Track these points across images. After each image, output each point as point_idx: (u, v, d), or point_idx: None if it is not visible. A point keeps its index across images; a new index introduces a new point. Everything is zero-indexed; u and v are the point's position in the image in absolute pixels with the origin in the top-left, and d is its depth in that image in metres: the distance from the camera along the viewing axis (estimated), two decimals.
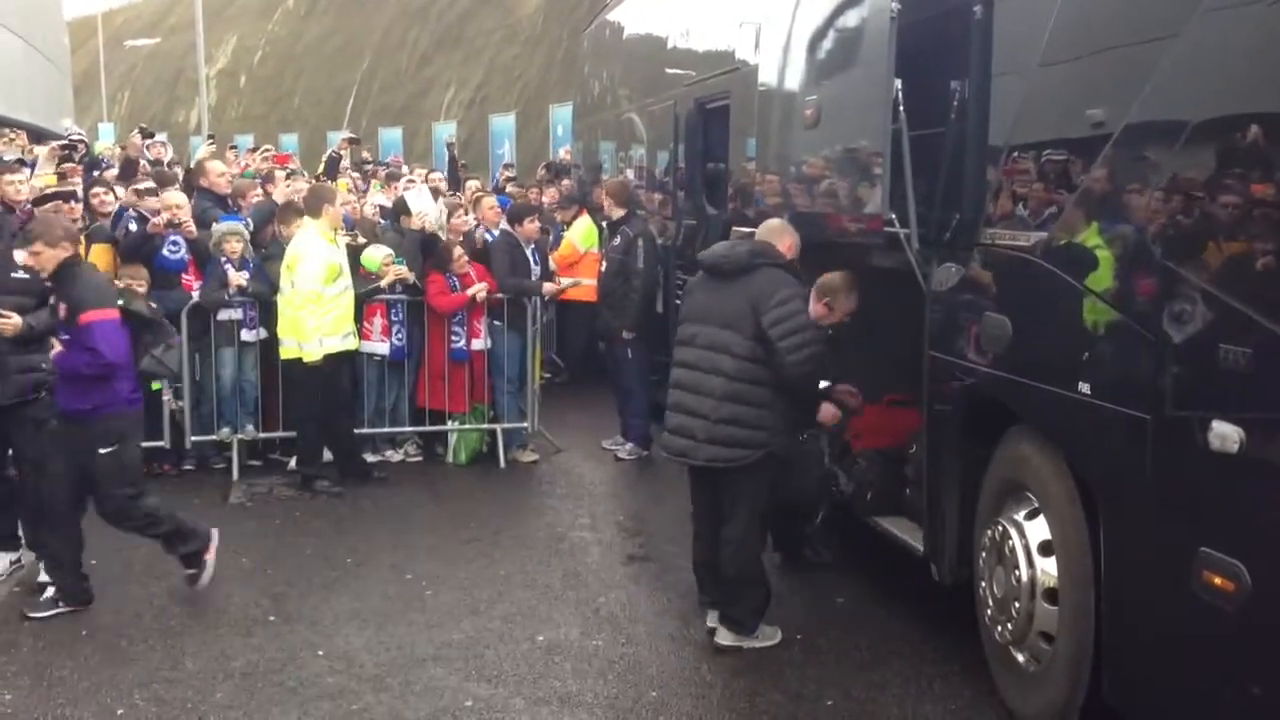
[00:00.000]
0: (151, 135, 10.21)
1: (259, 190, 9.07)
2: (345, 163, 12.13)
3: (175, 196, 7.75)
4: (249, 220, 8.17)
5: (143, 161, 10.19)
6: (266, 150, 13.23)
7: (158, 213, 7.55)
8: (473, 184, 11.31)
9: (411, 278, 7.91)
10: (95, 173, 9.73)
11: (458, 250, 8.00)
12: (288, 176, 9.67)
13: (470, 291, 7.96)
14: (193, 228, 7.64)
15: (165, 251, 7.59)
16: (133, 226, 7.61)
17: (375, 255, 7.85)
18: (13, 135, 11.05)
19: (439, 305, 7.97)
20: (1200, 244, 3.34)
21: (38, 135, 19.04)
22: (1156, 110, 3.57)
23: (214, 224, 7.91)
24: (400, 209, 8.64)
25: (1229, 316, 3.20)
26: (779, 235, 5.15)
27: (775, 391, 4.81)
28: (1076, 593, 3.94)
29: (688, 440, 4.89)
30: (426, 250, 8.12)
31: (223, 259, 7.67)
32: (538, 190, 11.69)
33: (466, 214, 8.71)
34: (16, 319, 5.58)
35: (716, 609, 5.11)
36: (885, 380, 5.55)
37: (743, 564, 4.96)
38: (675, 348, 5.10)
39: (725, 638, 5.00)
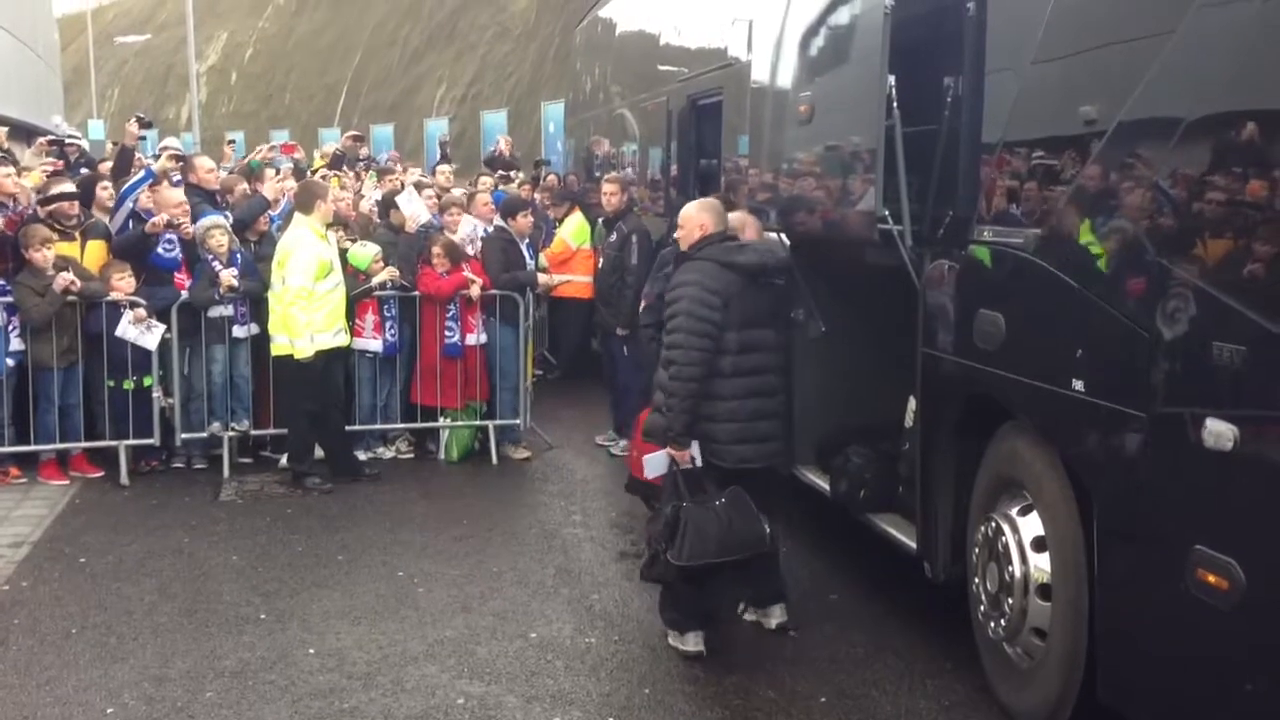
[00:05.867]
0: (149, 125, 10.07)
1: (245, 185, 9.02)
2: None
3: (175, 195, 7.72)
4: (228, 214, 8.12)
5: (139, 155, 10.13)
6: (272, 146, 13.19)
7: (151, 213, 7.53)
8: (487, 179, 11.24)
9: (400, 278, 7.89)
10: (82, 170, 9.68)
11: (436, 249, 7.97)
12: (278, 173, 9.63)
13: (465, 275, 7.93)
14: (190, 228, 7.60)
15: (160, 250, 7.58)
16: (131, 224, 7.61)
17: (364, 253, 7.82)
18: None
19: (432, 289, 7.92)
20: (1194, 241, 3.33)
21: (27, 131, 18.95)
22: (1151, 107, 3.56)
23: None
24: (389, 204, 8.64)
25: (1223, 314, 3.19)
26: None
27: None
28: (1070, 589, 3.93)
29: (779, 441, 5.02)
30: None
31: (209, 256, 7.63)
32: (530, 186, 11.67)
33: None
34: None
35: (698, 626, 4.95)
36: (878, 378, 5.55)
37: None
38: (741, 356, 4.81)
39: (783, 615, 5.15)
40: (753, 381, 4.88)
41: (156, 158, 8.82)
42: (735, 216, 5.42)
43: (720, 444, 4.85)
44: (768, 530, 4.85)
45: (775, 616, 5.15)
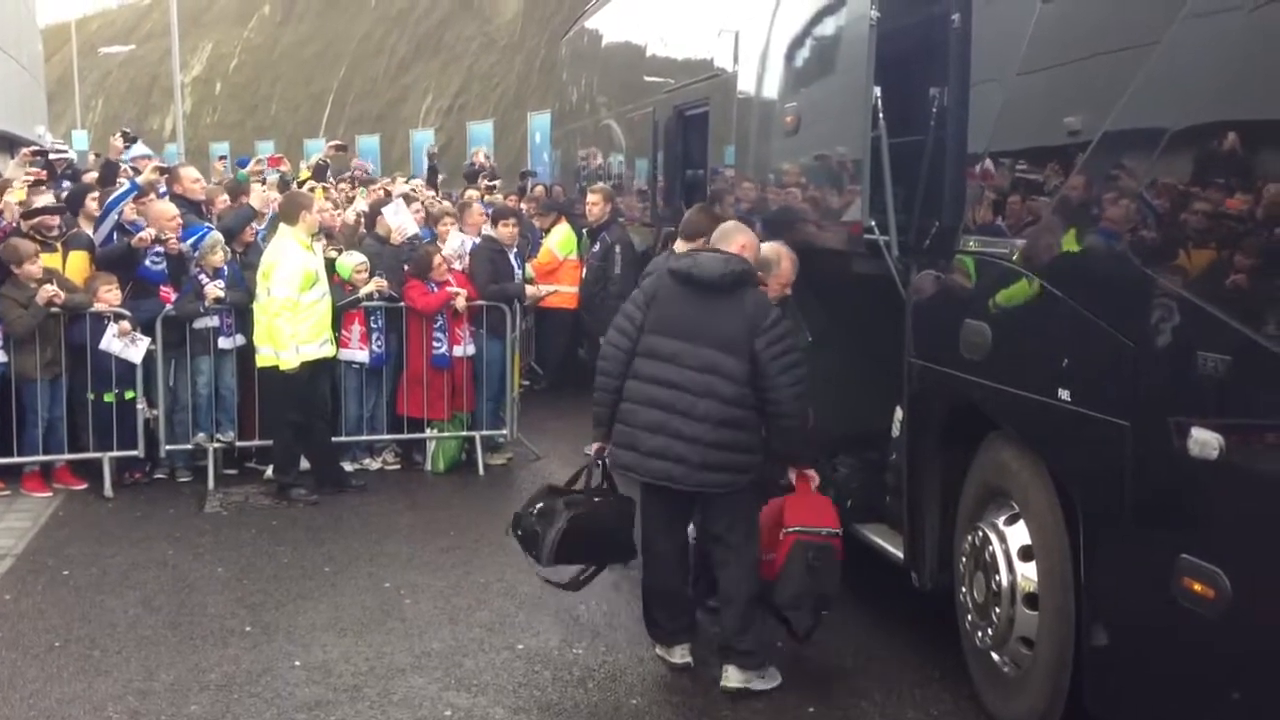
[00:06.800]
0: (134, 140, 10.06)
1: (225, 196, 8.99)
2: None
3: (169, 209, 7.70)
4: (210, 227, 8.09)
5: (124, 167, 10.10)
6: (259, 159, 13.22)
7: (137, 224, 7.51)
8: (473, 192, 11.24)
9: (387, 289, 7.88)
10: (65, 182, 9.63)
11: (438, 258, 7.97)
12: (264, 184, 9.62)
13: (450, 290, 7.92)
14: (177, 244, 7.57)
15: (148, 262, 7.56)
16: (115, 236, 7.58)
17: (347, 263, 7.82)
18: None
19: (420, 305, 7.91)
20: (1178, 251, 3.35)
21: (10, 142, 18.87)
22: (1135, 118, 3.57)
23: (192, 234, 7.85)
24: (375, 215, 8.64)
25: (1207, 323, 3.20)
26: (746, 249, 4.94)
27: (760, 416, 4.61)
28: (1057, 598, 3.94)
29: (675, 464, 4.56)
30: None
31: (196, 270, 7.60)
32: (516, 197, 11.70)
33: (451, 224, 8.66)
34: None
35: (679, 639, 4.89)
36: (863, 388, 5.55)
37: (752, 587, 4.70)
38: (644, 360, 4.66)
39: (736, 679, 4.63)
40: (651, 390, 4.62)
41: (137, 171, 8.80)
42: (769, 247, 5.18)
43: (613, 443, 4.82)
44: (579, 570, 5.02)
45: (724, 677, 4.68)
